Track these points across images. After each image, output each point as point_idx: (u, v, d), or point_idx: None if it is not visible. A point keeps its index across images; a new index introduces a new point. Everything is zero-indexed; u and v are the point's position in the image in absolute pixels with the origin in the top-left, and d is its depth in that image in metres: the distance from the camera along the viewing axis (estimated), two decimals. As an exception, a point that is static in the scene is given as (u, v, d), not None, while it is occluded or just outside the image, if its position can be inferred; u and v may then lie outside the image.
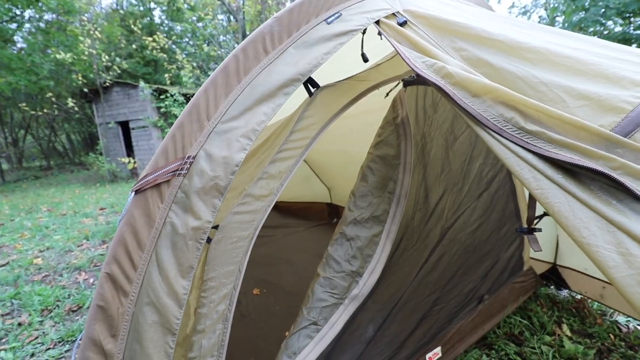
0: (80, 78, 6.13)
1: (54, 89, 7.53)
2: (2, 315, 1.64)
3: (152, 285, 0.57)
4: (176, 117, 6.11)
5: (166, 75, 6.54)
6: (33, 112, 7.17)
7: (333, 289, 0.81)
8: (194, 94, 4.82)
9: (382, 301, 0.90)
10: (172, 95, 6.04)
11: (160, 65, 8.82)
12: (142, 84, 6.05)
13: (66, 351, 1.38)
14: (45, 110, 7.28)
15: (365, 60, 0.79)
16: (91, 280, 1.99)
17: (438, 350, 1.04)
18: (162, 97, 6.13)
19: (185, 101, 6.20)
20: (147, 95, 6.04)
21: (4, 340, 1.46)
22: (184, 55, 6.11)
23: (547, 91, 0.51)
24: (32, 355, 1.36)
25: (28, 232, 3.00)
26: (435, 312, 1.03)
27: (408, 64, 0.60)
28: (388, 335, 0.92)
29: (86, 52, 5.82)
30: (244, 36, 6.55)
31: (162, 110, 6.11)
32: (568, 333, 1.22)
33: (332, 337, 0.79)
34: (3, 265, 2.27)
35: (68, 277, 2.04)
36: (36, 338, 1.46)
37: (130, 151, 7.00)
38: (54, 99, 6.72)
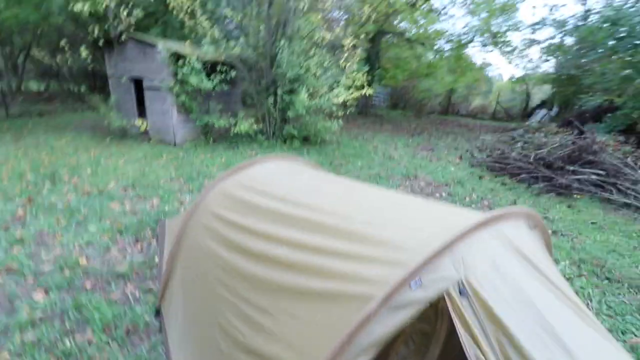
0: (97, 30, 5.82)
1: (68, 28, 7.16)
2: (71, 331, 1.91)
3: None
4: (192, 85, 5.99)
5: (187, 41, 6.24)
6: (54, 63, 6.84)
7: None
8: (214, 62, 4.89)
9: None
10: (189, 62, 5.86)
11: (170, 25, 8.30)
12: (160, 45, 5.81)
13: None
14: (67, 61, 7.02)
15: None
16: (137, 294, 2.25)
17: None
18: (179, 62, 5.94)
19: (202, 69, 6.04)
20: (165, 59, 5.85)
21: (81, 362, 1.74)
22: (205, 20, 5.78)
23: None
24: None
25: (61, 216, 3.19)
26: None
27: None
28: None
29: (103, 4, 5.48)
30: (270, 5, 6.20)
31: (179, 77, 5.96)
32: None
33: None
34: (51, 262, 2.50)
35: (116, 287, 2.30)
36: (108, 363, 1.75)
37: (142, 111, 6.91)
38: (66, 47, 6.41)
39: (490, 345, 0.79)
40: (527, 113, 15.96)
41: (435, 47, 14.62)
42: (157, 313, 2.06)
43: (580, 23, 10.80)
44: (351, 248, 1.09)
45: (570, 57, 10.63)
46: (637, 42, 5.87)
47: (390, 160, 6.69)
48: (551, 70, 14.37)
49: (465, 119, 16.89)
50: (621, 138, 5.37)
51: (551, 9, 13.93)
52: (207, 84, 6.01)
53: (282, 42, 6.05)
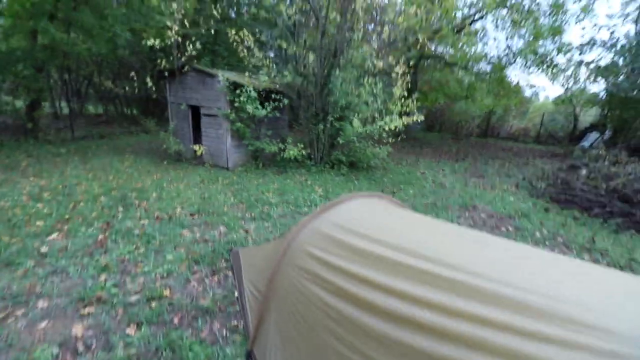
0: (164, 62, 6.28)
1: (129, 59, 7.78)
2: (169, 372, 1.89)
3: None
4: (248, 113, 6.20)
5: (246, 73, 6.56)
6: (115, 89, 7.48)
7: None
8: (270, 90, 5.02)
9: None
10: (247, 91, 6.10)
11: (219, 54, 8.81)
12: (220, 75, 6.12)
13: None
14: (125, 88, 7.63)
15: None
16: (224, 332, 2.22)
17: None
18: (237, 91, 6.20)
19: (257, 97, 6.25)
20: (223, 88, 6.13)
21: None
22: (262, 53, 6.05)
23: None
24: None
25: (139, 243, 3.30)
26: None
27: None
28: None
29: (172, 39, 5.92)
30: (323, 35, 6.39)
31: (236, 104, 6.20)
32: None
33: None
34: (138, 292, 2.55)
35: (203, 323, 2.28)
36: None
37: (197, 136, 7.24)
38: (134, 77, 6.95)
39: None
40: (576, 136, 15.07)
41: (475, 70, 14.38)
42: (248, 355, 2.00)
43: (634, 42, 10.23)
44: (532, 325, 0.97)
45: (626, 78, 10.01)
46: None
47: (442, 188, 6.46)
48: (600, 91, 13.62)
49: (507, 142, 16.24)
50: None
51: (599, 29, 13.35)
52: (261, 112, 6.21)
53: (336, 71, 6.17)
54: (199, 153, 6.73)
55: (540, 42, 12.00)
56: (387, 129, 6.23)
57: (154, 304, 2.42)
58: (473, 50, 13.29)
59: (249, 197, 5.01)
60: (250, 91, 6.07)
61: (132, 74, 6.93)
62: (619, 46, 11.11)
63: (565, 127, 16.62)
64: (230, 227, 3.84)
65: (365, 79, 6.23)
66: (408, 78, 6.87)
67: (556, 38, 11.90)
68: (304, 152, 6.78)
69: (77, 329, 2.12)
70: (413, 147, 12.42)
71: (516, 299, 1.06)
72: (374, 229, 1.83)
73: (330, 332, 1.52)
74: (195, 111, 7.09)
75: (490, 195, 6.08)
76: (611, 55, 11.47)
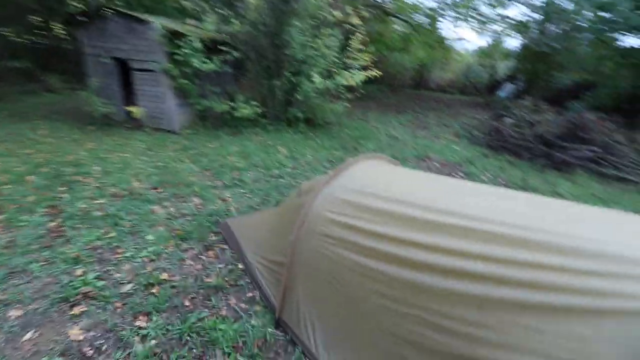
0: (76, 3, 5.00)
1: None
2: (200, 356, 1.81)
3: None
4: (196, 68, 5.48)
5: (188, 20, 5.60)
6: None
7: None
8: (216, 41, 4.67)
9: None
10: (190, 42, 5.33)
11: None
12: (156, 22, 5.18)
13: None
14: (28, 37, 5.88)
15: None
16: (242, 306, 2.17)
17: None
18: (177, 42, 5.37)
19: (204, 49, 5.53)
20: (160, 38, 5.25)
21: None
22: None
23: None
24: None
25: (106, 226, 2.88)
26: None
27: None
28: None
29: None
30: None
31: (176, 57, 5.41)
32: None
33: None
34: (130, 280, 2.29)
35: (218, 301, 2.18)
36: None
37: (128, 95, 6.23)
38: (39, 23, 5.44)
39: None
40: (494, 87, 16.84)
41: (411, 21, 14.63)
42: (277, 324, 2.02)
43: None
44: (564, 262, 1.16)
45: (540, 34, 11.27)
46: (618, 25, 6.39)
47: (396, 141, 6.82)
48: (516, 45, 15.19)
49: (437, 94, 17.45)
50: (604, 115, 5.95)
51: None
52: (209, 65, 5.54)
53: (291, 20, 5.68)
54: (136, 116, 5.86)
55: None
56: (346, 83, 6.15)
57: (155, 290, 2.21)
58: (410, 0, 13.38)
59: (212, 163, 4.64)
60: (194, 42, 5.31)
61: (32, 18, 5.40)
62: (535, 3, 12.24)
63: (485, 79, 18.40)
64: (205, 197, 3.57)
65: (321, 31, 5.89)
66: (361, 30, 6.71)
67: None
68: (258, 111, 6.37)
69: (75, 333, 1.85)
70: (358, 100, 12.57)
71: (521, 237, 1.28)
72: (386, 189, 1.88)
73: (382, 295, 1.58)
74: (123, 65, 6.01)
75: (438, 146, 6.63)
76: (528, 11, 12.64)
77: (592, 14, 7.83)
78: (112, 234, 2.79)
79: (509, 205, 1.62)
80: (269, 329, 1.98)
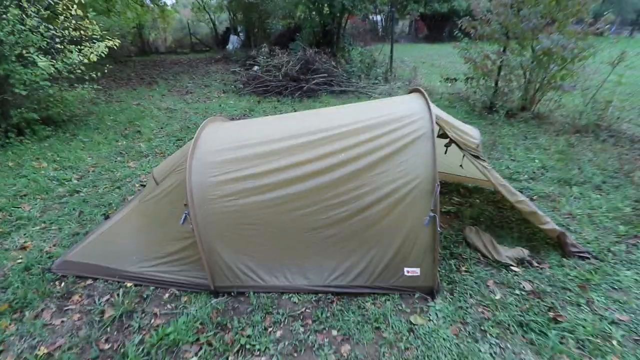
0: None
1: None
2: (175, 361, 1.73)
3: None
4: None
5: None
6: None
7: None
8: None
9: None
10: None
11: None
12: None
13: None
14: None
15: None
16: (169, 306, 2.08)
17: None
18: None
19: None
20: None
21: None
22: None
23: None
24: None
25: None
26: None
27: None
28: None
29: None
30: None
31: None
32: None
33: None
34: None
35: (139, 320, 1.96)
36: None
37: None
38: None
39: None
40: (220, 41, 17.88)
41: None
42: (216, 294, 2.14)
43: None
44: (340, 144, 2.13)
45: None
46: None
47: (174, 112, 6.56)
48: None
49: (172, 57, 16.64)
50: (317, 49, 8.17)
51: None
52: None
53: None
54: None
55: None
56: (86, 61, 5.02)
57: None
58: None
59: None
60: None
61: None
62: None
63: (209, 34, 19.03)
64: (-12, 258, 2.47)
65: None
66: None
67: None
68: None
69: None
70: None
71: (326, 137, 2.16)
72: (249, 137, 2.29)
73: (289, 210, 2.07)
74: None
75: (215, 105, 6.97)
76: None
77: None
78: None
79: (311, 120, 2.41)
80: (212, 301, 2.09)
